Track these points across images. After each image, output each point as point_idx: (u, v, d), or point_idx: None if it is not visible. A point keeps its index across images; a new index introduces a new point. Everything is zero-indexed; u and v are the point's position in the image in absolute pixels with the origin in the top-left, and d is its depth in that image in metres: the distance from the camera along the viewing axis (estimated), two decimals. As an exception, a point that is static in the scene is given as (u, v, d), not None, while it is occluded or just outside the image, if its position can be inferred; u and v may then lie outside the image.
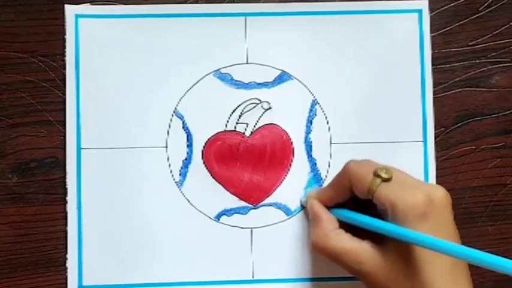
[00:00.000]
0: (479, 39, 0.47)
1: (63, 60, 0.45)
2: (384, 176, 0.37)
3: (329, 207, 0.42)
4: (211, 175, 0.45)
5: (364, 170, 0.38)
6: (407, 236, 0.34)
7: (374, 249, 0.37)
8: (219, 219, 0.45)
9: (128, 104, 0.45)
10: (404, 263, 0.36)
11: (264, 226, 0.45)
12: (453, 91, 0.47)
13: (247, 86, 0.46)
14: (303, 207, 0.45)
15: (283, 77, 0.46)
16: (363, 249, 0.37)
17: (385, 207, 0.36)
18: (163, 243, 0.45)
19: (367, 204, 0.39)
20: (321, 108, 0.46)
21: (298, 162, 0.46)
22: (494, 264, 0.30)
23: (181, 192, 0.45)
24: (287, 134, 0.46)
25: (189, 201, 0.45)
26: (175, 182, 0.45)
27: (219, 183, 0.45)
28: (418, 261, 0.35)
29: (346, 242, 0.38)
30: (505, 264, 0.29)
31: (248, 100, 0.46)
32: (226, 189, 0.45)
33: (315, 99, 0.46)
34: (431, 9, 0.47)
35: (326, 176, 0.46)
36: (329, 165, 0.46)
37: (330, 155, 0.46)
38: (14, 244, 0.45)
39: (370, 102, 0.46)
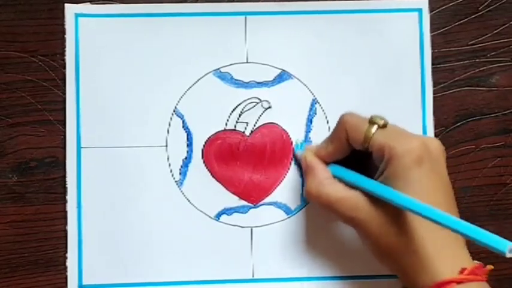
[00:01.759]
0: (479, 39, 0.47)
1: (63, 60, 0.46)
2: (380, 122, 0.38)
3: (327, 164, 0.42)
4: (211, 174, 0.45)
5: (360, 118, 0.39)
6: (397, 200, 0.34)
7: (369, 198, 0.37)
8: (219, 219, 0.45)
9: (128, 103, 0.45)
10: (397, 219, 0.36)
11: (264, 225, 0.45)
12: (453, 90, 0.47)
13: (247, 85, 0.46)
14: (296, 162, 0.45)
15: (283, 76, 0.46)
16: (358, 197, 0.37)
17: (382, 153, 0.37)
18: (163, 242, 0.45)
19: (365, 164, 0.39)
20: (321, 107, 0.46)
21: (298, 161, 0.46)
22: (483, 238, 0.31)
23: (181, 191, 0.45)
24: (287, 133, 0.46)
25: (189, 201, 0.45)
26: (175, 181, 0.45)
27: (219, 182, 0.45)
28: (411, 222, 0.36)
29: (341, 190, 0.38)
30: (490, 238, 0.30)
31: (248, 99, 0.46)
32: (226, 188, 0.45)
33: (315, 99, 0.46)
34: (431, 9, 0.47)
35: (326, 175, 0.46)
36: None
37: (330, 154, 0.46)
38: (14, 243, 0.45)
39: (369, 101, 0.46)
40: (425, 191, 0.35)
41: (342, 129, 0.39)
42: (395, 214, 0.36)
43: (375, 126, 0.37)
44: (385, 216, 0.36)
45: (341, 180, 0.40)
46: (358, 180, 0.38)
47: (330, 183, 0.39)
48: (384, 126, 0.38)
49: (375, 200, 0.37)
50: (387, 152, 0.36)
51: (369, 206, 0.37)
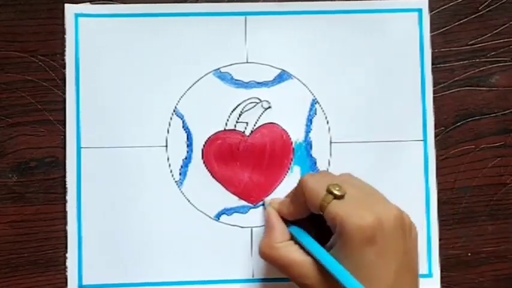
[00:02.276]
0: (479, 39, 0.47)
1: (63, 60, 0.46)
2: (336, 192, 0.36)
3: (288, 222, 0.41)
4: (211, 174, 0.46)
5: (318, 185, 0.37)
6: (341, 280, 0.33)
7: (320, 267, 0.36)
8: (219, 219, 0.45)
9: (128, 103, 0.45)
10: None
11: (264, 225, 0.45)
12: (453, 90, 0.47)
13: (247, 85, 0.46)
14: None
15: (283, 76, 0.46)
16: (308, 264, 0.37)
17: (334, 224, 0.35)
18: (163, 243, 0.45)
19: (327, 227, 0.38)
20: (321, 108, 0.46)
21: (298, 161, 0.46)
22: None
23: (181, 191, 0.45)
24: (287, 133, 0.46)
25: (189, 201, 0.45)
26: (175, 181, 0.45)
27: (219, 182, 0.45)
28: None
29: (292, 254, 0.38)
30: None
31: (248, 99, 0.46)
32: (226, 188, 0.45)
33: (315, 99, 0.46)
34: (431, 9, 0.47)
35: (326, 175, 0.46)
36: (329, 164, 0.46)
37: (330, 154, 0.46)
38: (14, 243, 0.45)
39: (370, 101, 0.46)
40: (373, 272, 0.34)
41: (300, 192, 0.39)
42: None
43: (331, 197, 0.36)
44: (333, 286, 0.35)
45: (298, 242, 0.39)
46: (312, 248, 0.37)
47: (283, 245, 0.39)
48: (341, 197, 0.36)
49: (325, 270, 0.36)
50: (339, 226, 0.35)
51: (318, 275, 0.36)
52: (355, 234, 0.34)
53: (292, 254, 0.38)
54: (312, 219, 0.40)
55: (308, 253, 0.37)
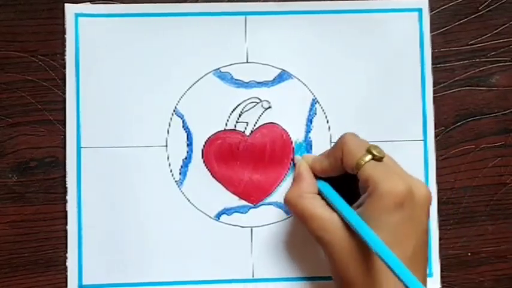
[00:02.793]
0: (479, 39, 0.47)
1: (63, 60, 0.46)
2: (376, 154, 0.37)
3: (320, 178, 0.41)
4: (211, 174, 0.46)
5: (358, 143, 0.38)
6: (365, 236, 0.34)
7: (343, 224, 0.37)
8: (219, 219, 0.45)
9: (128, 103, 0.45)
10: (362, 253, 0.35)
11: (264, 225, 0.45)
12: (453, 90, 0.47)
13: (247, 85, 0.46)
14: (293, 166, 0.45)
15: (283, 76, 0.46)
16: (332, 219, 0.37)
17: (367, 185, 0.36)
18: (163, 242, 0.45)
19: (355, 187, 0.38)
20: (321, 107, 0.46)
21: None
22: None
23: (181, 191, 0.45)
24: (287, 133, 0.46)
25: (189, 200, 0.45)
26: (175, 181, 0.45)
27: (219, 182, 0.45)
28: (374, 261, 0.35)
29: (317, 208, 0.38)
30: None
31: (248, 99, 0.46)
32: (226, 188, 0.45)
33: (315, 98, 0.46)
34: (431, 8, 0.47)
35: (326, 175, 0.46)
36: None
37: (330, 154, 0.46)
38: (14, 243, 0.45)
39: (370, 101, 0.46)
40: (396, 237, 0.35)
41: (339, 148, 0.39)
42: (362, 247, 0.36)
43: (369, 157, 0.37)
44: (351, 246, 0.36)
45: (324, 198, 0.39)
46: (338, 204, 0.37)
47: (310, 197, 0.39)
48: (379, 159, 0.37)
49: (347, 227, 0.36)
50: (371, 187, 0.36)
51: (339, 231, 0.36)
52: (386, 196, 0.35)
53: (318, 207, 0.38)
54: (341, 181, 0.40)
55: (333, 210, 0.38)
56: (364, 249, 0.35)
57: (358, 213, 0.36)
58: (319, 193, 0.40)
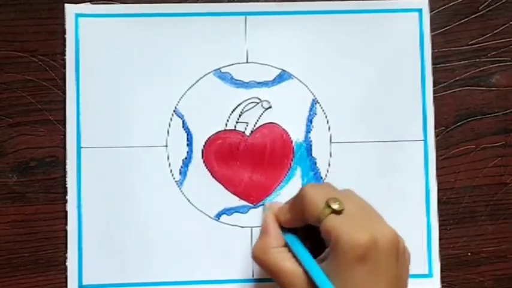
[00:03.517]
0: (480, 38, 0.47)
1: (63, 60, 0.46)
2: (335, 207, 0.36)
3: (284, 229, 0.41)
4: (211, 174, 0.46)
5: (318, 197, 0.37)
6: None
7: (308, 279, 0.36)
8: (219, 219, 0.45)
9: (128, 103, 0.45)
10: None
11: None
12: (453, 90, 0.47)
13: (247, 85, 0.46)
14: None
15: (283, 76, 0.46)
16: (298, 274, 0.36)
17: (329, 239, 0.35)
18: (163, 242, 0.45)
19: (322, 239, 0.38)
20: (321, 107, 0.46)
21: (298, 161, 0.46)
22: None
23: (181, 191, 0.45)
24: (287, 133, 0.46)
25: (189, 201, 0.45)
26: (176, 181, 0.45)
27: (219, 182, 0.45)
28: None
29: (284, 262, 0.38)
30: None
31: (248, 99, 0.46)
32: (226, 188, 0.45)
33: (315, 98, 0.46)
34: (432, 8, 0.47)
35: (326, 175, 0.46)
36: (329, 165, 0.46)
37: (330, 154, 0.46)
38: (14, 243, 0.45)
39: (370, 101, 0.46)
40: None
41: (300, 201, 0.38)
42: None
43: (329, 210, 0.36)
44: None
45: (291, 251, 0.39)
46: (303, 258, 0.37)
47: (276, 251, 0.39)
48: (339, 212, 0.36)
49: (314, 283, 0.35)
50: (333, 241, 0.35)
51: (308, 283, 0.36)
52: (348, 251, 0.34)
53: (284, 261, 0.38)
54: (309, 229, 0.39)
55: (299, 264, 0.37)
56: None
57: (322, 268, 0.35)
58: (286, 245, 0.40)
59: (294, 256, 0.38)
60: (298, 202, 0.39)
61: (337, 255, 0.34)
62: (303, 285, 0.36)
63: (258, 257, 0.39)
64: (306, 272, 0.36)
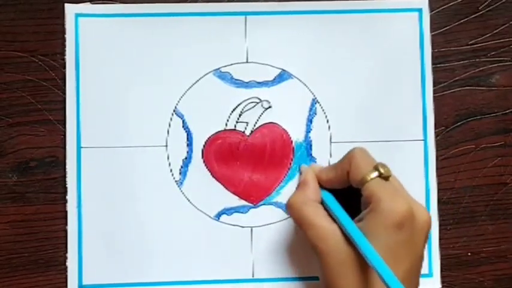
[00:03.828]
0: (479, 38, 0.47)
1: (63, 60, 0.46)
2: (382, 172, 0.37)
3: (324, 189, 0.41)
4: (211, 174, 0.46)
5: (367, 159, 0.38)
6: (363, 249, 0.34)
7: (342, 237, 0.36)
8: (219, 218, 0.45)
9: (128, 103, 0.45)
10: (358, 267, 0.35)
11: (264, 225, 0.45)
12: (453, 90, 0.47)
13: (247, 84, 0.46)
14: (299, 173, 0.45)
15: (283, 76, 0.46)
16: (332, 230, 0.37)
17: (370, 201, 0.36)
18: (163, 242, 0.45)
19: (359, 201, 0.38)
20: (321, 107, 0.46)
21: (298, 161, 0.46)
22: None
23: (181, 191, 0.45)
24: (287, 133, 0.46)
25: (189, 200, 0.45)
26: (175, 181, 0.45)
27: (219, 182, 0.45)
28: (370, 275, 0.35)
29: (319, 216, 0.38)
30: None
31: (248, 99, 0.46)
32: (226, 188, 0.45)
33: (315, 98, 0.46)
34: (432, 8, 0.47)
35: (326, 175, 0.46)
36: (329, 165, 0.46)
37: (330, 154, 0.46)
38: (14, 243, 0.45)
39: (370, 101, 0.46)
40: (391, 256, 0.34)
41: (347, 161, 0.39)
42: (359, 261, 0.35)
43: (376, 173, 0.37)
44: (348, 258, 0.36)
45: (326, 208, 0.39)
46: (340, 215, 0.37)
47: (313, 205, 0.39)
48: (386, 178, 0.37)
49: (346, 239, 0.36)
50: (373, 204, 0.36)
51: (337, 243, 0.36)
52: (387, 215, 0.35)
53: (319, 216, 0.38)
54: (344, 194, 0.40)
55: (334, 222, 0.37)
56: (361, 263, 0.35)
57: (359, 227, 0.36)
58: (322, 203, 0.40)
59: (329, 214, 0.38)
60: (345, 162, 0.39)
61: (375, 218, 0.35)
62: (336, 241, 0.36)
63: (293, 206, 0.39)
64: (339, 230, 0.37)
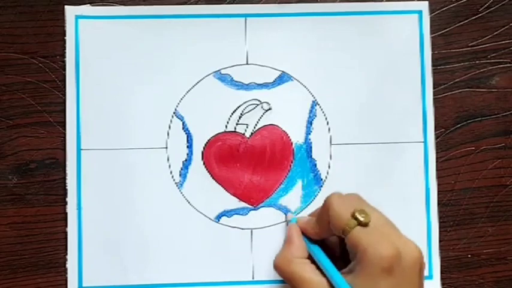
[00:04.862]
0: (480, 40, 0.47)
1: (63, 61, 0.46)
2: (361, 219, 0.36)
3: (310, 241, 0.41)
4: (211, 176, 0.45)
5: (344, 208, 0.37)
6: None
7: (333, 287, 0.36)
8: (219, 220, 0.45)
9: (128, 104, 0.45)
10: None
11: (264, 227, 0.45)
12: (453, 92, 0.47)
13: (247, 86, 0.46)
14: (287, 223, 0.45)
15: (283, 78, 0.46)
16: (320, 283, 0.37)
17: (355, 251, 0.35)
18: (163, 244, 0.45)
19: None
20: (321, 109, 0.46)
21: (298, 163, 0.46)
22: None
23: (181, 193, 0.45)
24: (287, 134, 0.46)
25: (189, 202, 0.45)
26: (175, 183, 0.45)
27: (219, 184, 0.45)
28: None
29: (307, 272, 0.38)
30: None
31: (248, 101, 0.46)
32: (226, 190, 0.45)
33: (315, 100, 0.46)
34: (432, 10, 0.47)
35: (326, 177, 0.46)
36: (329, 166, 0.46)
37: (330, 156, 0.46)
38: (14, 245, 0.45)
39: (370, 103, 0.46)
40: None
41: (325, 211, 0.38)
42: None
43: (355, 222, 0.36)
44: None
45: (315, 262, 0.39)
46: (328, 269, 0.37)
47: (300, 262, 0.39)
48: (365, 224, 0.36)
49: None
50: (359, 254, 0.35)
51: None
52: (374, 263, 0.34)
53: (308, 272, 0.38)
54: (327, 243, 0.40)
55: (323, 275, 0.37)
56: None
57: (348, 281, 0.35)
58: (310, 257, 0.40)
59: (318, 268, 0.38)
60: (324, 213, 0.39)
61: (363, 268, 0.35)
62: None
63: (281, 267, 0.39)
64: (328, 284, 0.36)
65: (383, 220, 0.37)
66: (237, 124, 0.46)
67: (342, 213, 0.37)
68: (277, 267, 0.39)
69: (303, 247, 0.40)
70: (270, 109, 0.46)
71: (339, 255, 0.39)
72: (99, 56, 0.46)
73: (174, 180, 0.45)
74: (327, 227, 0.38)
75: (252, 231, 0.45)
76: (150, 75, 0.46)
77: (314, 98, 0.46)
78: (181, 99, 0.46)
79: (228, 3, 0.46)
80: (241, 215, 0.45)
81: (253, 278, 0.45)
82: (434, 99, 0.47)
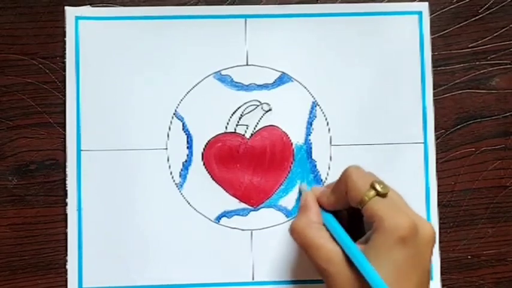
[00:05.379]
0: (480, 41, 0.47)
1: (63, 62, 0.46)
2: (380, 190, 0.36)
3: (325, 211, 0.41)
4: (211, 177, 0.45)
5: (362, 179, 0.37)
6: (366, 274, 0.33)
7: (345, 257, 0.36)
8: (219, 221, 0.45)
9: (128, 105, 0.45)
10: (368, 285, 0.34)
11: (264, 228, 0.45)
12: (453, 93, 0.47)
13: (247, 87, 0.46)
14: (299, 194, 0.45)
15: (283, 79, 0.46)
16: (336, 252, 0.36)
17: (372, 221, 0.36)
18: (163, 245, 0.45)
19: (361, 221, 0.38)
20: (321, 110, 0.46)
21: (298, 164, 0.46)
22: None
23: (182, 194, 0.45)
24: (287, 135, 0.46)
25: (189, 203, 0.45)
26: (176, 184, 0.45)
27: (219, 185, 0.45)
28: None
29: (323, 239, 0.37)
30: None
31: (248, 102, 0.46)
32: (226, 191, 0.45)
33: (315, 101, 0.46)
34: (432, 11, 0.47)
35: (326, 178, 0.46)
36: (329, 167, 0.46)
37: (330, 157, 0.46)
38: (14, 246, 0.45)
39: (370, 103, 0.46)
40: (398, 274, 0.34)
41: (343, 183, 0.38)
42: (363, 283, 0.35)
43: (373, 192, 0.36)
44: (353, 281, 0.35)
45: (328, 230, 0.39)
46: (341, 238, 0.37)
47: (316, 227, 0.39)
48: (384, 195, 0.36)
49: (350, 261, 0.36)
50: (376, 223, 0.35)
51: (343, 265, 0.36)
52: (391, 231, 0.34)
53: (324, 238, 0.38)
54: (347, 213, 0.40)
55: (337, 244, 0.37)
56: (365, 285, 0.35)
57: (363, 250, 0.35)
58: (324, 225, 0.40)
59: (332, 236, 0.38)
60: (342, 183, 0.39)
61: (379, 236, 0.35)
62: (340, 263, 0.36)
63: (297, 230, 0.39)
64: (342, 252, 0.36)
65: (399, 196, 0.38)
66: (237, 125, 0.46)
67: (360, 183, 0.37)
68: (294, 231, 0.39)
69: (319, 213, 0.40)
70: (270, 110, 0.46)
71: (346, 230, 0.39)
72: (99, 57, 0.46)
73: (174, 181, 0.45)
74: (343, 197, 0.38)
75: (252, 232, 0.45)
76: (150, 76, 0.46)
77: (314, 98, 0.46)
78: (181, 100, 0.46)
79: (228, 4, 0.46)
80: (241, 215, 0.45)
81: (253, 279, 0.45)
82: (434, 100, 0.47)
